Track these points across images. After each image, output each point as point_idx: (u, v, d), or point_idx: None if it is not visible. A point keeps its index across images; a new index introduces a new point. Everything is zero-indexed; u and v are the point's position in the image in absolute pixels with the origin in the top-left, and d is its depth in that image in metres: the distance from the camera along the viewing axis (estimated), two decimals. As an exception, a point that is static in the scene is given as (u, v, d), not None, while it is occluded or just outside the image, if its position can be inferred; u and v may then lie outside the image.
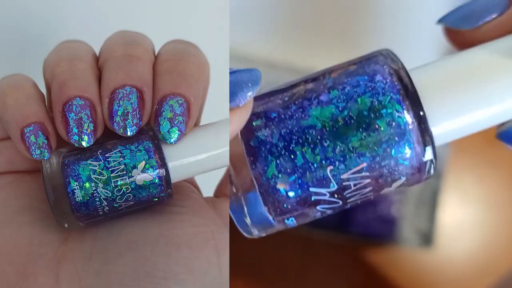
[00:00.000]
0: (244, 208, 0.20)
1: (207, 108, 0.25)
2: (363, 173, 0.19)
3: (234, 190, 0.20)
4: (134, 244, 0.22)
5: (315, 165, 0.19)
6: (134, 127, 0.22)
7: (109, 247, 0.22)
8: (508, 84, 0.20)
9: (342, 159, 0.19)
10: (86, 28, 0.33)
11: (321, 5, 0.50)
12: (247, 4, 0.48)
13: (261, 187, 0.20)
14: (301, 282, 0.49)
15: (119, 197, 0.22)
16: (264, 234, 0.21)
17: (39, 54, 0.24)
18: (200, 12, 0.37)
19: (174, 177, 0.22)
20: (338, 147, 0.19)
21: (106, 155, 0.22)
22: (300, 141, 0.19)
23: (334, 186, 0.20)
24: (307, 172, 0.19)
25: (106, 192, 0.21)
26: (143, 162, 0.22)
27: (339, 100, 0.19)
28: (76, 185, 0.21)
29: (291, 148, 0.19)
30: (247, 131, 0.20)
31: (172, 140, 0.22)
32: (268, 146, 0.19)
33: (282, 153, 0.19)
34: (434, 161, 0.20)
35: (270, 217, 0.20)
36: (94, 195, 0.21)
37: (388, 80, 0.20)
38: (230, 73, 0.19)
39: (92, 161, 0.22)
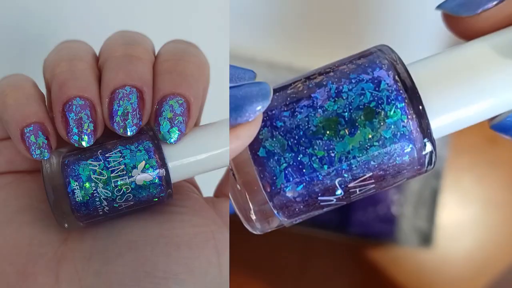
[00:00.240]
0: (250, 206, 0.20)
1: (207, 108, 0.25)
2: (369, 180, 0.20)
3: (239, 187, 0.20)
4: (134, 244, 0.22)
5: (322, 174, 0.19)
6: (134, 127, 0.22)
7: (109, 247, 0.22)
8: (503, 78, 0.20)
9: (348, 168, 0.19)
10: (86, 28, 0.33)
11: (321, 5, 0.50)
12: (247, 4, 0.48)
13: (271, 195, 0.20)
14: (301, 281, 0.49)
15: (119, 197, 0.22)
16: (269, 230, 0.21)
17: (39, 54, 0.24)
18: (200, 12, 0.37)
19: (174, 177, 0.22)
20: (344, 157, 0.19)
21: (106, 155, 0.22)
22: (308, 151, 0.19)
23: (341, 193, 0.20)
24: (315, 181, 0.20)
25: (106, 192, 0.22)
26: (143, 162, 0.22)
27: (344, 110, 0.20)
28: (76, 185, 0.21)
29: (299, 158, 0.19)
30: (254, 141, 0.20)
31: (172, 140, 0.22)
32: (276, 157, 0.20)
33: (290, 163, 0.19)
34: (434, 152, 0.20)
35: (279, 218, 0.21)
36: (94, 195, 0.21)
37: (391, 82, 0.20)
38: (238, 86, 0.19)
39: (92, 161, 0.22)
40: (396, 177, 0.20)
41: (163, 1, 0.36)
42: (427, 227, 0.47)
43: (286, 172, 0.19)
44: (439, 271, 0.44)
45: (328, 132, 0.19)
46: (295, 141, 0.19)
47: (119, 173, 0.21)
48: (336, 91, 0.20)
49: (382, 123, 0.19)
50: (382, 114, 0.19)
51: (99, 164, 0.22)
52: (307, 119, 0.20)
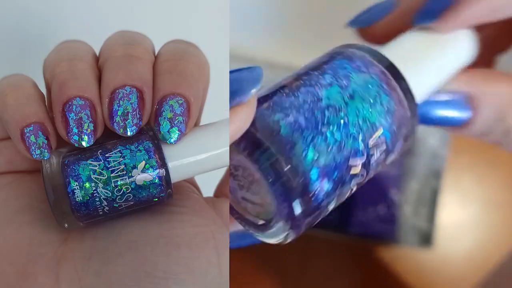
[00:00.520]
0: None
1: (207, 108, 0.25)
2: (381, 137, 0.21)
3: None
4: (134, 244, 0.22)
5: (347, 138, 0.20)
6: (134, 127, 0.22)
7: (109, 247, 0.22)
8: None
9: (364, 128, 0.20)
10: (86, 28, 0.33)
11: (321, 5, 0.50)
12: (247, 4, 0.48)
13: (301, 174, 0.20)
14: (301, 281, 0.49)
15: (119, 197, 0.22)
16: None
17: (39, 54, 0.24)
18: (200, 12, 0.37)
19: (174, 177, 0.22)
20: (357, 118, 0.20)
21: (106, 155, 0.22)
22: (326, 121, 0.19)
23: (363, 155, 0.20)
24: (343, 147, 0.20)
25: (106, 192, 0.22)
26: (143, 162, 0.22)
27: (340, 83, 0.21)
28: (76, 185, 0.21)
29: (321, 130, 0.20)
30: (267, 127, 0.20)
31: (172, 140, 0.22)
32: (299, 132, 0.19)
33: (314, 135, 0.20)
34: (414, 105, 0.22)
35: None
36: (94, 195, 0.21)
37: (371, 69, 0.22)
38: (230, 72, 0.19)
39: (92, 161, 0.22)
40: (400, 135, 0.21)
41: (163, 1, 0.36)
42: (427, 227, 0.47)
43: (315, 144, 0.20)
44: (439, 271, 0.44)
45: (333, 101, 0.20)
46: (311, 115, 0.20)
47: (119, 173, 0.21)
48: (330, 76, 0.21)
49: (379, 94, 0.21)
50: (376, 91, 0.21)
51: (99, 164, 0.22)
52: (312, 94, 0.21)
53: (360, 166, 0.20)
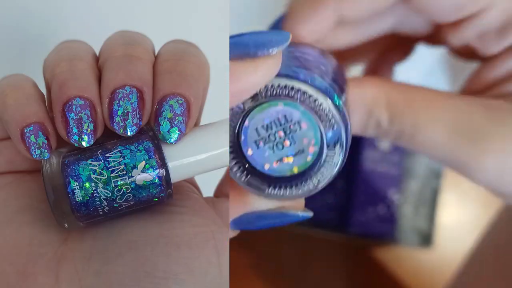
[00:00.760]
0: None
1: (207, 108, 0.25)
2: None
3: None
4: (134, 244, 0.22)
5: None
6: (134, 127, 0.22)
7: (109, 247, 0.22)
8: None
9: None
10: (86, 28, 0.33)
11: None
12: (247, 4, 0.48)
13: None
14: (301, 281, 0.49)
15: (119, 197, 0.22)
16: None
17: (39, 54, 0.24)
18: (200, 12, 0.37)
19: (174, 177, 0.22)
20: None
21: (106, 155, 0.22)
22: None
23: None
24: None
25: (106, 192, 0.22)
26: (143, 162, 0.22)
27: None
28: (76, 185, 0.21)
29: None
30: None
31: (172, 140, 0.22)
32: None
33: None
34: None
35: None
36: (94, 195, 0.21)
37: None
38: (255, 32, 0.18)
39: (92, 161, 0.22)
40: None
41: (163, 1, 0.36)
42: (427, 227, 0.47)
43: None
44: (439, 271, 0.44)
45: None
46: None
47: (119, 173, 0.21)
48: None
49: None
50: None
51: (99, 164, 0.22)
52: None
53: None
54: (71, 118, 0.21)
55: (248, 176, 0.19)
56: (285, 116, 0.18)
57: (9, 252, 0.22)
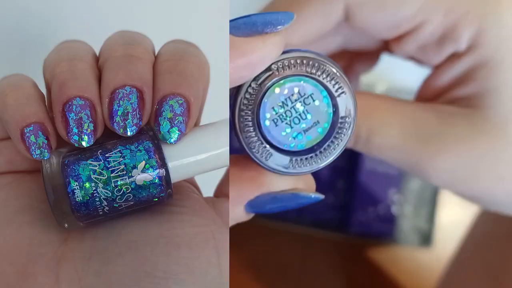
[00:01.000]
0: None
1: (207, 108, 0.25)
2: None
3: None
4: (134, 244, 0.22)
5: None
6: (134, 127, 0.22)
7: (109, 247, 0.22)
8: None
9: None
10: (86, 28, 0.33)
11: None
12: (247, 4, 0.48)
13: None
14: (301, 281, 0.49)
15: (119, 197, 0.22)
16: None
17: (39, 54, 0.24)
18: (200, 12, 0.37)
19: (174, 177, 0.22)
20: None
21: (106, 155, 0.22)
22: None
23: None
24: None
25: (106, 192, 0.22)
26: (143, 162, 0.22)
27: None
28: (76, 185, 0.21)
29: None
30: None
31: (172, 140, 0.22)
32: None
33: None
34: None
35: None
36: (94, 195, 0.21)
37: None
38: (261, 13, 0.19)
39: (92, 161, 0.22)
40: None
41: (163, 1, 0.36)
42: (427, 227, 0.47)
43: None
44: (439, 271, 0.44)
45: None
46: None
47: (119, 173, 0.21)
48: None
49: None
50: None
51: (99, 164, 0.22)
52: None
53: None
54: (71, 118, 0.21)
55: (269, 155, 0.20)
56: (298, 91, 0.19)
57: (9, 252, 0.22)
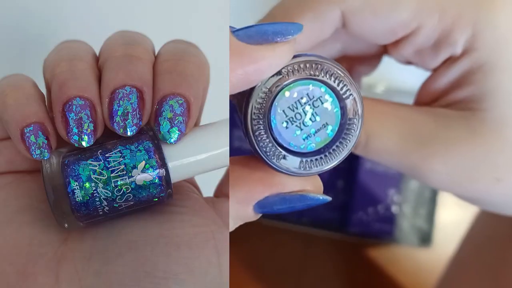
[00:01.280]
0: None
1: (207, 108, 0.25)
2: None
3: None
4: (134, 244, 0.22)
5: None
6: (134, 127, 0.22)
7: (109, 247, 0.22)
8: None
9: None
10: (86, 28, 0.33)
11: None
12: (247, 4, 0.48)
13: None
14: (301, 281, 0.49)
15: (119, 197, 0.22)
16: None
17: (39, 54, 0.24)
18: (200, 12, 0.37)
19: (174, 177, 0.22)
20: None
21: (106, 155, 0.22)
22: None
23: None
24: None
25: (106, 192, 0.22)
26: (143, 162, 0.22)
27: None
28: (76, 185, 0.21)
29: None
30: None
31: (172, 140, 0.22)
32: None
33: None
34: None
35: None
36: (94, 195, 0.21)
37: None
38: (271, 23, 0.20)
39: (92, 161, 0.22)
40: None
41: (163, 1, 0.36)
42: (426, 227, 0.47)
43: None
44: (439, 271, 0.44)
45: None
46: None
47: (119, 173, 0.21)
48: None
49: None
50: None
51: (99, 164, 0.22)
52: None
53: None
54: (71, 118, 0.21)
55: (281, 156, 0.20)
56: (307, 94, 0.20)
57: (9, 252, 0.22)
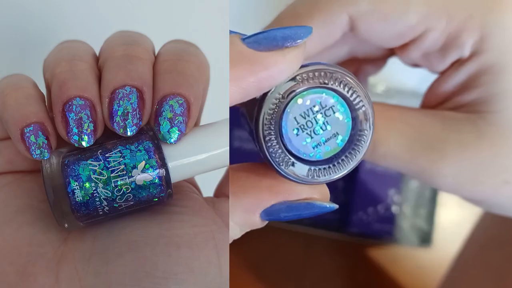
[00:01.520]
0: None
1: (207, 108, 0.25)
2: None
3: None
4: (134, 244, 0.22)
5: None
6: (134, 127, 0.22)
7: (109, 247, 0.22)
8: None
9: None
10: (86, 28, 0.33)
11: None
12: (247, 4, 0.48)
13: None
14: (301, 281, 0.49)
15: (119, 197, 0.22)
16: None
17: (39, 54, 0.24)
18: (200, 12, 0.37)
19: (174, 177, 0.22)
20: None
21: (106, 155, 0.22)
22: None
23: None
24: None
25: (106, 192, 0.22)
26: (143, 162, 0.22)
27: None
28: (76, 185, 0.21)
29: None
30: None
31: (172, 140, 0.22)
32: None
33: None
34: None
35: None
36: (94, 195, 0.21)
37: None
38: (280, 27, 0.19)
39: (92, 161, 0.22)
40: None
41: (163, 1, 0.36)
42: (426, 227, 0.47)
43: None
44: (439, 271, 0.44)
45: None
46: None
47: (119, 173, 0.21)
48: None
49: None
50: None
51: (99, 164, 0.22)
52: None
53: None
54: (71, 118, 0.21)
55: (289, 164, 0.20)
56: (320, 103, 0.20)
57: (9, 252, 0.22)
